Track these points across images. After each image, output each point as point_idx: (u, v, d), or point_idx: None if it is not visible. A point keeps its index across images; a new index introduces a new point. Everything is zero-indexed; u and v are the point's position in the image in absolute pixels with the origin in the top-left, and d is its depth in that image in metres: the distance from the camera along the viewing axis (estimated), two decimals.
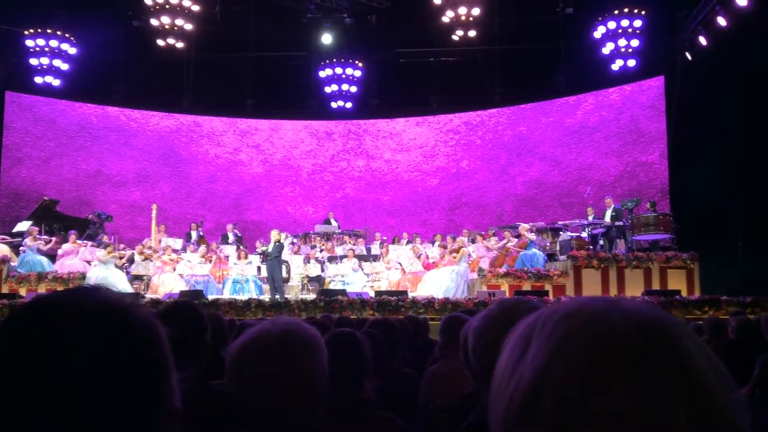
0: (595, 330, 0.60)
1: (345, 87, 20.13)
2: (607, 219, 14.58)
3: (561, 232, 15.21)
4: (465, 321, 3.20)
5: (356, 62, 19.89)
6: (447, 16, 16.72)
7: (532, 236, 14.56)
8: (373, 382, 3.04)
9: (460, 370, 2.91)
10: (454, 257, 14.30)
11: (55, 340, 0.70)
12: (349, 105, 20.55)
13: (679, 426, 0.55)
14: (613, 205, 14.70)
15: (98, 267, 13.84)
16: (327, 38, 19.55)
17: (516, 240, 14.66)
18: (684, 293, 12.30)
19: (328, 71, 19.93)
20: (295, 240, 16.98)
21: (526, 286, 12.95)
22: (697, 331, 7.57)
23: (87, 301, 0.75)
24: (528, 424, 0.60)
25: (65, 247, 14.86)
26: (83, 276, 13.77)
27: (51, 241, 15.02)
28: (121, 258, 14.55)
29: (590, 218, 14.95)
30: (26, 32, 17.81)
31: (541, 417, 0.58)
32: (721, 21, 14.51)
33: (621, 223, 14.30)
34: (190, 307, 2.46)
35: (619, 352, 0.58)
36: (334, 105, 20.57)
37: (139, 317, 0.77)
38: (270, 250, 13.89)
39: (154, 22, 17.29)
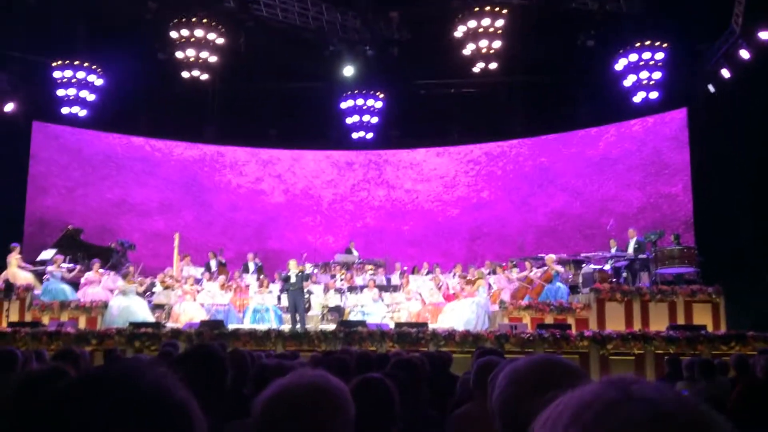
0: (608, 427, 0.58)
1: (366, 118, 20.24)
2: (630, 251, 14.43)
3: (583, 265, 15.08)
4: (499, 364, 3.18)
5: (377, 93, 20.03)
6: (468, 49, 16.82)
7: (559, 268, 14.43)
8: (396, 427, 2.99)
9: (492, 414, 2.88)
10: (471, 287, 14.21)
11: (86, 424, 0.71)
12: (370, 135, 20.66)
13: None
14: (636, 237, 14.56)
15: (120, 296, 13.95)
16: (349, 70, 19.72)
17: (540, 271, 14.55)
18: (710, 328, 12.09)
19: (350, 102, 20.09)
20: (315, 270, 16.99)
21: (549, 319, 12.82)
22: (723, 368, 7.42)
23: (126, 383, 0.77)
24: None
25: (88, 275, 15.00)
26: (105, 305, 13.87)
27: (75, 269, 15.18)
28: (141, 285, 14.64)
29: (613, 250, 14.82)
30: (54, 63, 18.18)
31: None
32: (744, 54, 14.45)
33: (644, 255, 14.14)
34: (210, 351, 2.45)
35: None
36: (355, 135, 20.69)
37: (176, 402, 0.79)
38: (293, 279, 13.89)
39: (179, 55, 17.57)
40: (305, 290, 14.60)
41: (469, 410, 3.13)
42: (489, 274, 15.84)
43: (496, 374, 1.98)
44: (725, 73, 15.38)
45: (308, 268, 16.00)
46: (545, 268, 14.38)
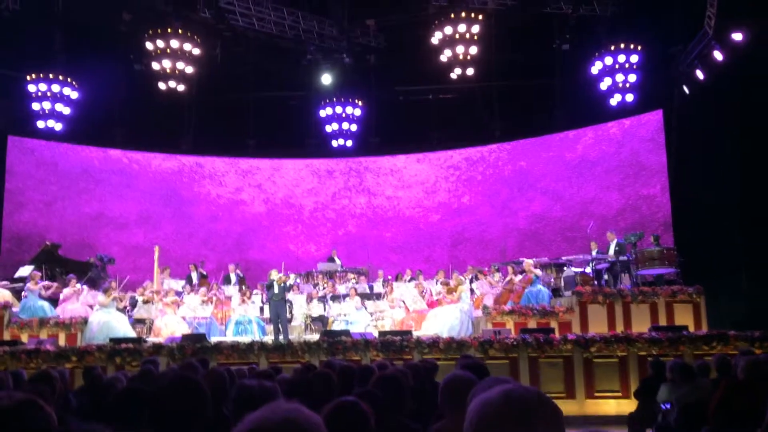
0: None
1: (345, 125, 20.24)
2: (611, 254, 14.51)
3: (565, 268, 15.14)
4: (466, 381, 3.12)
5: (356, 101, 20.04)
6: (445, 56, 16.88)
7: (538, 272, 14.50)
8: None
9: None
10: (453, 296, 14.21)
11: None
12: (349, 143, 20.65)
13: None
14: (615, 240, 14.65)
15: (100, 311, 13.76)
16: (327, 78, 19.73)
17: (521, 276, 14.60)
18: (691, 328, 12.17)
19: (329, 110, 20.07)
20: (298, 279, 16.92)
21: (532, 324, 12.83)
22: (705, 369, 7.44)
23: None
24: None
25: (65, 291, 14.79)
26: (85, 321, 13.69)
27: (52, 286, 14.97)
28: (121, 301, 14.45)
29: (594, 253, 14.90)
30: (28, 77, 17.96)
31: None
32: (718, 55, 14.61)
33: (625, 257, 14.22)
34: (191, 384, 2.41)
35: None
36: (334, 143, 20.67)
37: None
38: (276, 290, 13.79)
39: (155, 66, 17.45)
40: (286, 300, 14.51)
41: (441, 428, 3.09)
42: (471, 279, 15.86)
43: (471, 397, 1.97)
44: (699, 74, 15.54)
45: (292, 278, 15.93)
46: (524, 272, 14.45)
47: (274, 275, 14.06)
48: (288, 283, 14.59)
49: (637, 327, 12.45)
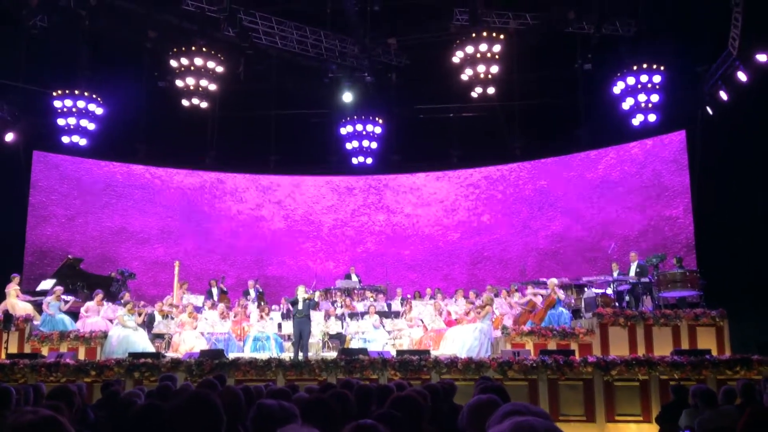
0: None
1: (365, 143, 20.28)
2: (632, 275, 14.34)
3: (585, 289, 14.98)
4: (492, 406, 3.08)
5: (376, 119, 20.09)
6: (466, 74, 16.86)
7: (561, 294, 14.36)
8: None
9: None
10: (479, 312, 14.08)
11: None
12: (369, 161, 20.68)
13: None
14: (637, 261, 14.48)
15: (119, 326, 13.85)
16: (348, 96, 19.83)
17: (543, 293, 14.47)
18: (714, 352, 11.96)
19: (349, 128, 20.14)
20: (318, 296, 16.88)
21: (551, 345, 12.69)
22: (730, 395, 7.28)
23: None
24: None
25: (89, 305, 14.92)
26: (105, 335, 13.77)
27: (70, 300, 15.13)
28: (140, 315, 14.52)
29: (615, 274, 14.73)
30: (54, 93, 18.24)
31: None
32: (742, 76, 14.49)
33: (647, 279, 14.05)
34: (206, 402, 2.40)
35: None
36: (354, 161, 20.71)
37: None
38: (300, 306, 13.62)
39: (179, 83, 17.63)
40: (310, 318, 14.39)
41: None
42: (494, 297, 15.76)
43: (487, 427, 1.94)
44: (723, 95, 15.41)
45: (316, 296, 15.89)
46: (548, 291, 14.30)
47: (301, 291, 13.90)
48: (313, 301, 14.48)
49: (659, 350, 12.27)
